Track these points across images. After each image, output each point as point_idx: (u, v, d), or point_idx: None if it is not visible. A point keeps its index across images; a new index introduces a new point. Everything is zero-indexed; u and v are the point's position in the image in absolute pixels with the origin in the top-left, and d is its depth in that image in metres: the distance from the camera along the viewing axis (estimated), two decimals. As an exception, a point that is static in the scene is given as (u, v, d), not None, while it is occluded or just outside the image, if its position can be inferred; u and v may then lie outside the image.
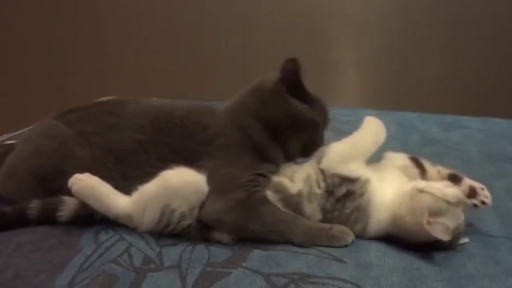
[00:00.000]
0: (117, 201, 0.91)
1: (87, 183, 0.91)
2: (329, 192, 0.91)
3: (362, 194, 0.90)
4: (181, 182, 0.89)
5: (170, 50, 2.67)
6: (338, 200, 0.90)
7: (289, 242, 0.88)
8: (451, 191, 0.87)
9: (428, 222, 0.83)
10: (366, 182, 0.91)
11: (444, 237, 0.82)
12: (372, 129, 0.99)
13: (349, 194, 0.90)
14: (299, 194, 0.92)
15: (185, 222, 0.89)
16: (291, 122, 0.97)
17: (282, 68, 0.97)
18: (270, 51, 2.52)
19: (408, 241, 0.87)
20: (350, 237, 0.88)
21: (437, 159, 1.01)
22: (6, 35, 2.61)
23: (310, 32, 2.65)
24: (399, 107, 1.98)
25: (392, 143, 1.03)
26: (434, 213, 0.84)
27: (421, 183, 0.91)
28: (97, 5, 2.65)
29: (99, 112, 1.04)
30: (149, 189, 0.90)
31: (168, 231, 0.89)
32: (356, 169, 0.92)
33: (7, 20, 2.62)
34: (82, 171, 0.95)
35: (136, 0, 2.67)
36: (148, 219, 0.89)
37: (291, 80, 0.97)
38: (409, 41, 2.67)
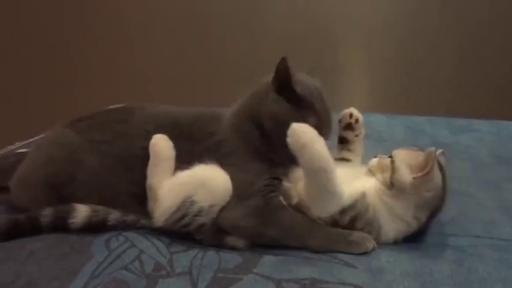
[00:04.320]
0: (164, 181, 0.93)
1: (155, 150, 0.95)
2: (333, 222, 0.88)
3: (366, 209, 0.87)
4: (211, 176, 0.89)
5: (179, 56, 2.68)
6: (343, 228, 0.88)
7: (306, 247, 0.86)
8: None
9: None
10: (363, 196, 0.88)
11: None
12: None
13: (355, 218, 0.87)
14: (299, 205, 0.90)
15: (201, 219, 0.88)
16: (273, 122, 0.95)
17: (275, 68, 0.96)
18: (278, 57, 2.51)
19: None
20: (371, 244, 0.86)
21: (447, 163, 1.00)
22: (16, 44, 2.64)
23: (319, 36, 2.65)
24: (408, 111, 1.97)
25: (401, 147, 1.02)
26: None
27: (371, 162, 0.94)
28: (106, 12, 2.67)
29: (108, 120, 1.05)
30: (180, 176, 0.91)
31: (182, 224, 0.88)
32: (348, 194, 0.87)
33: (16, 30, 2.65)
34: (92, 179, 0.97)
35: (144, 7, 2.69)
36: (167, 204, 0.89)
37: (282, 80, 0.95)
38: (418, 45, 2.66)
